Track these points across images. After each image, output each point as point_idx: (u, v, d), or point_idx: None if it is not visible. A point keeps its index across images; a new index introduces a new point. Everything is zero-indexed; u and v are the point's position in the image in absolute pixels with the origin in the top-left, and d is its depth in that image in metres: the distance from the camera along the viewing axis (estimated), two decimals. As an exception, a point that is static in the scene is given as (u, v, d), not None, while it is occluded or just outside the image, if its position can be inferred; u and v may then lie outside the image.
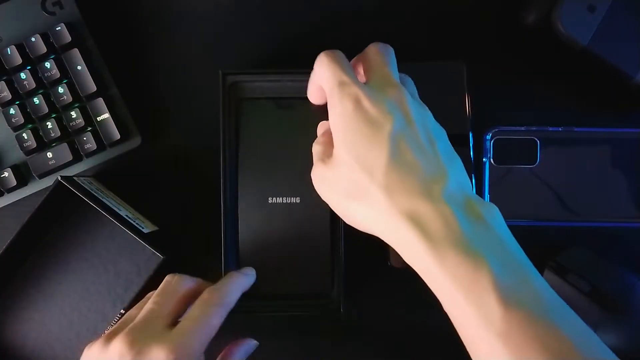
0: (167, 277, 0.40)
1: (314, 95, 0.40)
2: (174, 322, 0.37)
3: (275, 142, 0.44)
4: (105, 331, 0.38)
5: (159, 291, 0.39)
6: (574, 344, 0.30)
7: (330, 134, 0.38)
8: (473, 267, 0.31)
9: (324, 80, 0.37)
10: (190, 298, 0.39)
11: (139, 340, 0.35)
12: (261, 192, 0.44)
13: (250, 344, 0.42)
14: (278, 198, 0.44)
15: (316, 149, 0.39)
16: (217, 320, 0.37)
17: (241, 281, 0.41)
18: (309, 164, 0.39)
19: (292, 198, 0.43)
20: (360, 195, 0.35)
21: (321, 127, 0.41)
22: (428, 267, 0.33)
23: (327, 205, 0.38)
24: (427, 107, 0.38)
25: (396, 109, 0.35)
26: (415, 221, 0.33)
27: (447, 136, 0.38)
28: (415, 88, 0.40)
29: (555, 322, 0.31)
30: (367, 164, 0.34)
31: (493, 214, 0.34)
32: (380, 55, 0.38)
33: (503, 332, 0.30)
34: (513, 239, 0.34)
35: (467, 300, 0.31)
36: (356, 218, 0.36)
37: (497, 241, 0.33)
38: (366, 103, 0.35)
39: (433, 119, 0.38)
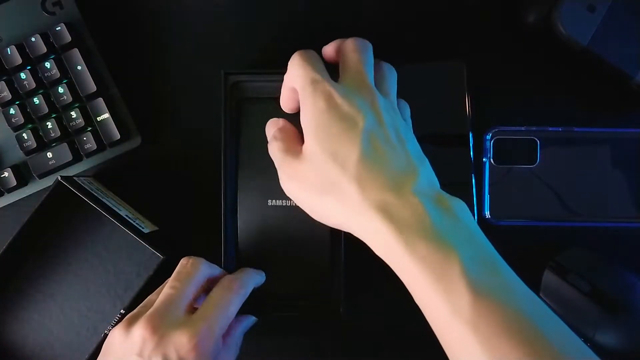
0: (182, 261, 0.40)
1: (286, 100, 0.40)
2: (192, 307, 0.38)
3: None
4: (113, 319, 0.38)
5: (175, 275, 0.39)
6: (543, 332, 0.31)
7: (288, 130, 0.39)
8: (443, 256, 0.32)
9: (297, 79, 0.37)
10: (206, 282, 0.40)
11: (160, 326, 0.36)
12: (261, 194, 0.44)
13: (250, 320, 0.43)
14: (278, 200, 0.44)
15: (277, 145, 0.39)
16: (235, 307, 0.39)
17: (255, 276, 0.42)
18: None
19: (292, 201, 0.43)
20: (332, 189, 0.35)
21: (272, 124, 0.41)
22: (399, 257, 0.33)
23: None
24: (397, 110, 0.39)
25: (367, 108, 0.36)
26: (386, 212, 0.33)
27: (416, 139, 0.38)
28: (395, 80, 0.40)
29: (525, 312, 0.31)
30: (340, 158, 0.35)
31: (462, 209, 0.35)
32: (358, 53, 0.38)
33: (472, 320, 0.31)
34: (482, 233, 0.35)
35: (437, 289, 0.32)
36: (327, 214, 0.37)
37: (467, 233, 0.34)
38: (338, 100, 0.36)
39: (403, 121, 0.38)
